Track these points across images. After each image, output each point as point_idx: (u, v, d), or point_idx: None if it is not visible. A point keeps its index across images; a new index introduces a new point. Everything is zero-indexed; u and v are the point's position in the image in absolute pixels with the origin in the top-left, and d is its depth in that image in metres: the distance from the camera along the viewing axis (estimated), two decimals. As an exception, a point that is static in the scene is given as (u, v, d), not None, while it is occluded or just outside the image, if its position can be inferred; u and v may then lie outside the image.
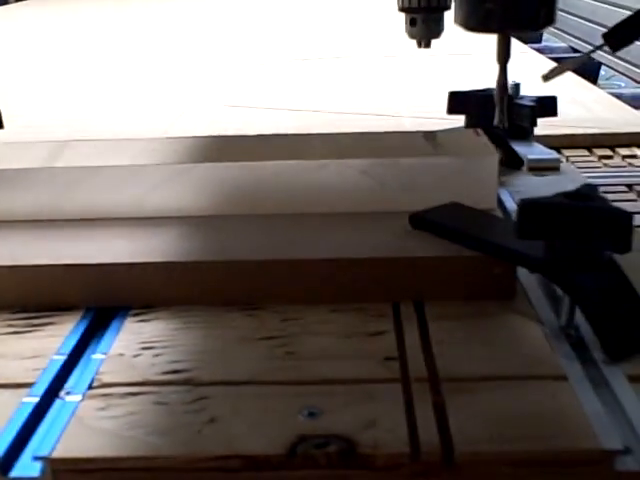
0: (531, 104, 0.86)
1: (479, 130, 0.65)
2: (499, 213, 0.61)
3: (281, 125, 1.14)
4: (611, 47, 0.55)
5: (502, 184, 0.77)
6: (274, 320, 0.52)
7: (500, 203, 0.72)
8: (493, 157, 0.60)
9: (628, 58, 1.68)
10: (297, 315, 0.52)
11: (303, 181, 0.60)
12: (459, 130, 0.66)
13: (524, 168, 0.82)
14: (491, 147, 0.61)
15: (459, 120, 0.87)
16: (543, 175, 0.80)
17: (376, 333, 0.50)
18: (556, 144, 1.05)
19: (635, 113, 1.18)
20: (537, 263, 0.49)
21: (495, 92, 0.59)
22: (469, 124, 0.80)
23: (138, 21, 2.69)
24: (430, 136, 0.64)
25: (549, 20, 0.54)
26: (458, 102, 0.80)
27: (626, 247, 0.45)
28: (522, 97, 0.89)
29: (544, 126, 0.97)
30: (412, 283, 0.53)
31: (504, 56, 0.57)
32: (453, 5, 0.60)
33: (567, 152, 1.03)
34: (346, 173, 0.60)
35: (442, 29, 0.85)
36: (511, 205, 0.71)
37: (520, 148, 0.85)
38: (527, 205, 0.46)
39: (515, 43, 1.97)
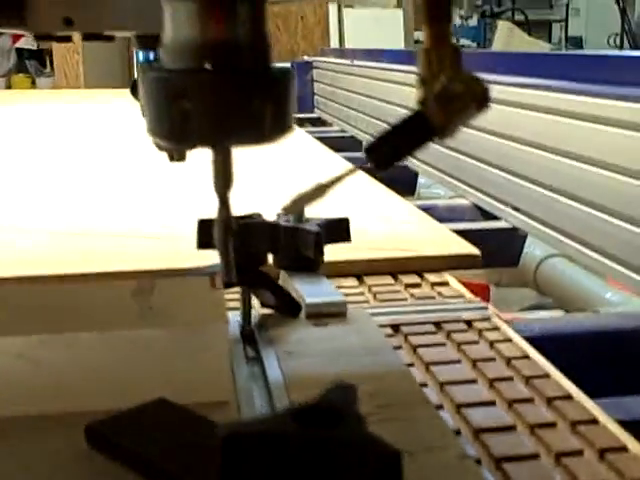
0: (315, 230, 0.69)
1: (217, 279, 0.47)
2: (233, 406, 0.41)
3: (21, 251, 0.92)
4: (377, 166, 0.38)
5: (271, 341, 0.59)
6: None
7: (263, 375, 0.53)
8: (221, 326, 0.41)
9: (440, 166, 1.59)
10: None
11: None
12: (189, 278, 0.48)
13: (302, 315, 0.63)
14: (222, 310, 0.43)
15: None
16: (325, 325, 0.62)
17: None
18: (357, 271, 0.89)
19: (447, 232, 1.05)
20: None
21: (215, 235, 0.41)
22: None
23: None
24: (143, 290, 0.44)
25: (281, 126, 0.37)
26: (211, 233, 0.61)
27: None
28: (307, 220, 0.72)
29: (345, 249, 0.81)
30: None
31: (223, 180, 0.38)
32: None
33: (369, 280, 0.87)
34: (-8, 360, 0.39)
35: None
36: (277, 379, 0.52)
37: (302, 286, 0.68)
38: (229, 443, 0.27)
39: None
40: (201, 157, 0.69)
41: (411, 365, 0.62)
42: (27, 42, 5.60)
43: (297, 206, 0.40)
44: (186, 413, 0.38)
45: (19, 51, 5.64)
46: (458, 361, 0.65)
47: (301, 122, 2.59)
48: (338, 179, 0.37)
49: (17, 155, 1.81)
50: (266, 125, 0.35)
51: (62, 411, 0.39)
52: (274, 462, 0.27)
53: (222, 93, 0.34)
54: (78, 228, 1.05)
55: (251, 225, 0.59)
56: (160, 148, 0.70)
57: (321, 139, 2.09)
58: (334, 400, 0.30)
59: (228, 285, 0.48)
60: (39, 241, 0.99)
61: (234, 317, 0.62)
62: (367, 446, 0.27)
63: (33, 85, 5.44)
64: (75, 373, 0.39)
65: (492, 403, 0.57)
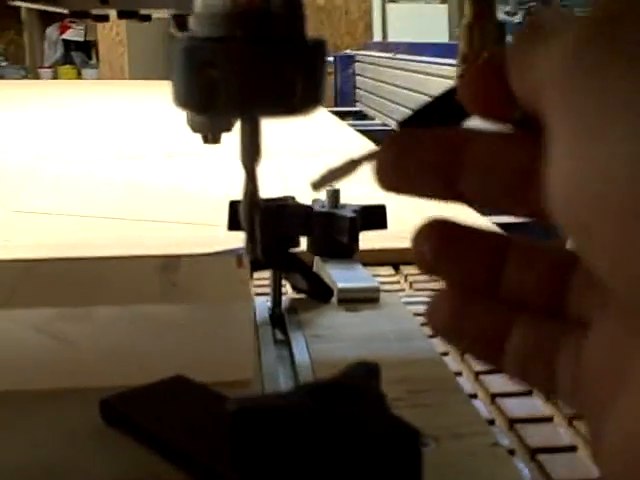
0: (351, 215, 0.68)
1: (243, 258, 0.45)
2: (257, 386, 0.40)
3: (61, 236, 0.92)
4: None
5: (300, 325, 0.57)
6: None
7: (290, 357, 0.52)
8: (245, 304, 0.39)
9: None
10: None
11: None
12: (215, 257, 0.46)
13: (334, 300, 0.62)
14: (247, 289, 0.41)
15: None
16: (357, 310, 0.60)
17: None
18: (394, 259, 0.88)
19: (486, 222, 1.02)
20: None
21: (241, 210, 0.40)
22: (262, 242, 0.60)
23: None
24: (169, 266, 0.43)
25: (312, 99, 0.35)
26: (242, 214, 0.60)
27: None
28: (343, 206, 0.71)
29: (379, 237, 0.79)
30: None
31: (251, 152, 0.37)
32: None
33: (406, 269, 0.86)
34: (10, 330, 0.38)
35: (235, 120, 0.66)
36: (304, 361, 0.51)
37: (335, 271, 0.66)
38: (239, 418, 0.26)
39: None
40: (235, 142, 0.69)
41: (446, 354, 0.60)
42: (74, 34, 5.67)
43: (326, 181, 0.38)
44: (203, 391, 0.36)
45: (66, 43, 5.71)
46: (493, 351, 0.63)
47: (343, 115, 2.57)
48: (371, 155, 0.36)
49: (60, 143, 1.83)
50: (297, 97, 0.34)
51: (79, 386, 0.38)
52: (286, 439, 0.25)
53: (251, 62, 0.33)
54: (113, 213, 1.05)
55: (283, 207, 0.58)
56: (194, 130, 0.69)
57: (363, 132, 2.08)
58: (355, 378, 0.28)
59: (256, 266, 0.47)
60: (74, 226, 0.99)
61: (264, 300, 0.61)
62: (385, 425, 0.25)
63: (79, 76, 5.51)
64: (93, 348, 0.38)
65: (528, 393, 0.55)
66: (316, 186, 0.46)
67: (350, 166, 0.41)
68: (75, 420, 0.36)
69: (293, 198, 0.62)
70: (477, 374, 0.58)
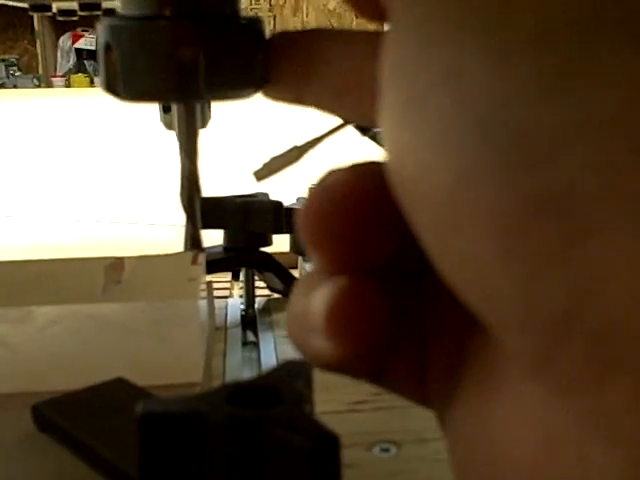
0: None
1: (200, 255, 0.43)
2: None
3: (43, 240, 0.91)
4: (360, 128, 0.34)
5: (271, 325, 0.55)
6: None
7: (258, 359, 0.50)
8: (191, 303, 0.37)
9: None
10: None
11: None
12: (167, 256, 0.44)
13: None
14: (195, 287, 0.39)
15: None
16: (332, 310, 0.58)
17: None
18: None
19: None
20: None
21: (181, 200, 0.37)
22: (229, 242, 0.58)
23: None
24: (116, 265, 0.41)
25: (264, 77, 0.33)
26: (212, 212, 0.57)
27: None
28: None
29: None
30: None
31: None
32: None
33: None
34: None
35: (209, 117, 0.64)
36: (271, 363, 0.48)
37: (314, 270, 0.64)
38: (146, 422, 0.24)
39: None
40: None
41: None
42: (86, 42, 5.69)
43: (270, 171, 0.36)
44: (141, 394, 0.34)
45: (78, 51, 5.73)
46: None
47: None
48: (318, 139, 0.33)
49: (63, 148, 1.82)
50: (256, 74, 0.31)
51: (17, 390, 0.36)
52: (195, 443, 0.23)
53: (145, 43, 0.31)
54: (108, 217, 1.04)
55: (250, 204, 0.56)
56: (168, 127, 0.67)
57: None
58: (278, 378, 0.26)
59: (226, 266, 0.45)
60: (67, 229, 0.98)
61: (237, 301, 0.59)
62: (299, 429, 0.23)
63: (91, 84, 5.52)
64: (31, 350, 0.36)
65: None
66: (259, 176, 0.43)
67: (294, 154, 0.38)
68: (6, 426, 0.34)
69: (266, 195, 0.59)
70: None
